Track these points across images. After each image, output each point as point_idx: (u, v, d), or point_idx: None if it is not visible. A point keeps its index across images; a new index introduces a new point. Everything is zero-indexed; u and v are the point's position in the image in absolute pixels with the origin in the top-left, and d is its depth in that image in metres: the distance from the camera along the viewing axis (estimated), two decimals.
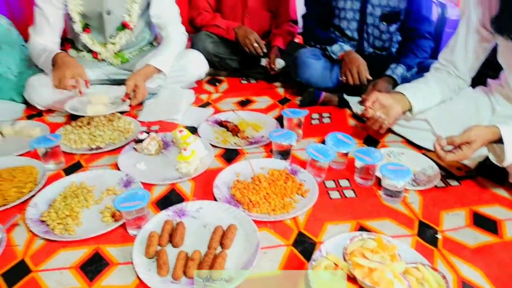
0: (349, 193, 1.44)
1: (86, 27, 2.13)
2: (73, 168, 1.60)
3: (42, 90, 1.95)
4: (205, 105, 2.19)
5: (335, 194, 1.43)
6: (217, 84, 2.49)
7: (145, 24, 2.29)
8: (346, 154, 1.55)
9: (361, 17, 2.13)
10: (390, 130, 1.80)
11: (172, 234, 1.20)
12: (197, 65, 2.28)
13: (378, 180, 1.46)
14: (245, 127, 1.88)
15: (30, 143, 1.55)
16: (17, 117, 2.02)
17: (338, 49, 2.10)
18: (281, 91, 2.37)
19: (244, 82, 2.54)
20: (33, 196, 1.40)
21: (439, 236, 1.24)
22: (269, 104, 2.20)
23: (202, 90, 2.38)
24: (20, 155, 1.66)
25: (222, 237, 1.18)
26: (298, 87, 2.25)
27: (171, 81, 2.17)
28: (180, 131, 1.66)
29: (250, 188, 1.42)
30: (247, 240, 1.19)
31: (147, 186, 1.45)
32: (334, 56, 2.11)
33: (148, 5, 2.18)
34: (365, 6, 2.09)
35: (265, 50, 2.39)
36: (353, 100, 2.05)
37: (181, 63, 2.20)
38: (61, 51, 1.94)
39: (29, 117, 2.04)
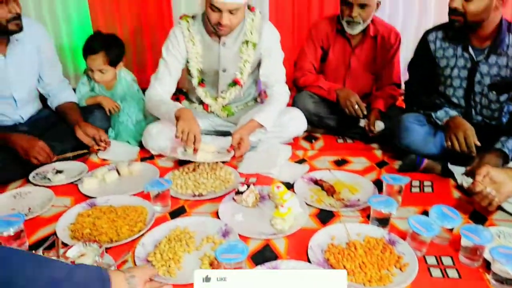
0: (453, 273, 1.33)
1: (201, 82, 2.34)
2: (178, 212, 1.72)
3: (158, 138, 2.16)
4: (300, 161, 2.22)
5: (436, 272, 1.33)
6: (313, 141, 2.52)
7: (252, 81, 2.46)
8: (451, 230, 1.45)
9: (468, 85, 2.05)
10: (500, 208, 1.66)
11: None
12: (297, 123, 2.37)
13: (486, 262, 1.34)
14: (340, 188, 1.87)
15: (145, 186, 1.70)
16: (133, 159, 2.24)
17: (443, 115, 2.02)
18: (378, 153, 2.32)
19: (340, 141, 2.54)
20: (142, 235, 1.52)
21: None
22: (366, 166, 2.17)
23: (298, 146, 2.43)
24: (133, 195, 1.83)
25: None
26: (397, 151, 2.20)
27: (270, 136, 2.26)
28: (278, 187, 1.70)
29: (345, 254, 1.39)
30: None
31: (243, 238, 1.49)
32: (439, 122, 2.04)
33: (258, 65, 2.35)
34: (474, 74, 2.02)
35: (365, 113, 2.40)
36: (458, 171, 1.93)
37: (282, 120, 2.29)
38: (183, 106, 2.12)
39: (142, 159, 2.26)
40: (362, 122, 2.48)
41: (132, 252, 1.42)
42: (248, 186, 1.74)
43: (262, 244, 1.49)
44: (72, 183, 1.98)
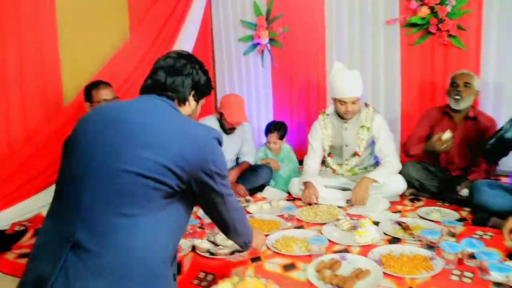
0: (467, 280, 1.82)
1: (330, 154, 3.30)
2: (300, 227, 2.60)
3: (296, 188, 3.20)
4: (396, 212, 2.84)
5: (454, 277, 1.85)
6: (415, 201, 3.06)
7: (368, 153, 3.27)
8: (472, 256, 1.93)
9: None
10: None
11: None
12: (397, 183, 3.02)
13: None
14: (416, 229, 2.42)
15: (282, 209, 2.69)
16: (281, 199, 3.24)
17: None
18: (464, 213, 2.73)
19: (439, 203, 3.00)
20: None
21: None
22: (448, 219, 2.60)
23: (402, 204, 3.01)
24: (276, 215, 2.78)
25: None
26: (475, 209, 2.63)
27: (375, 192, 2.96)
28: (364, 218, 2.43)
29: (394, 258, 2.02)
30: None
31: (332, 243, 2.27)
32: None
33: (373, 142, 3.17)
34: None
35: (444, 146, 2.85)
36: None
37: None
38: (309, 181, 3.08)
39: (288, 200, 3.24)
40: (458, 188, 2.93)
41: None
42: (344, 217, 2.52)
43: (343, 248, 2.24)
44: (243, 207, 3.08)
